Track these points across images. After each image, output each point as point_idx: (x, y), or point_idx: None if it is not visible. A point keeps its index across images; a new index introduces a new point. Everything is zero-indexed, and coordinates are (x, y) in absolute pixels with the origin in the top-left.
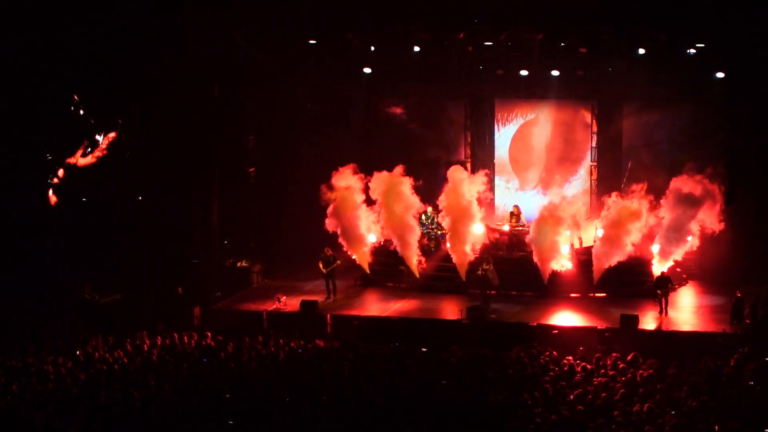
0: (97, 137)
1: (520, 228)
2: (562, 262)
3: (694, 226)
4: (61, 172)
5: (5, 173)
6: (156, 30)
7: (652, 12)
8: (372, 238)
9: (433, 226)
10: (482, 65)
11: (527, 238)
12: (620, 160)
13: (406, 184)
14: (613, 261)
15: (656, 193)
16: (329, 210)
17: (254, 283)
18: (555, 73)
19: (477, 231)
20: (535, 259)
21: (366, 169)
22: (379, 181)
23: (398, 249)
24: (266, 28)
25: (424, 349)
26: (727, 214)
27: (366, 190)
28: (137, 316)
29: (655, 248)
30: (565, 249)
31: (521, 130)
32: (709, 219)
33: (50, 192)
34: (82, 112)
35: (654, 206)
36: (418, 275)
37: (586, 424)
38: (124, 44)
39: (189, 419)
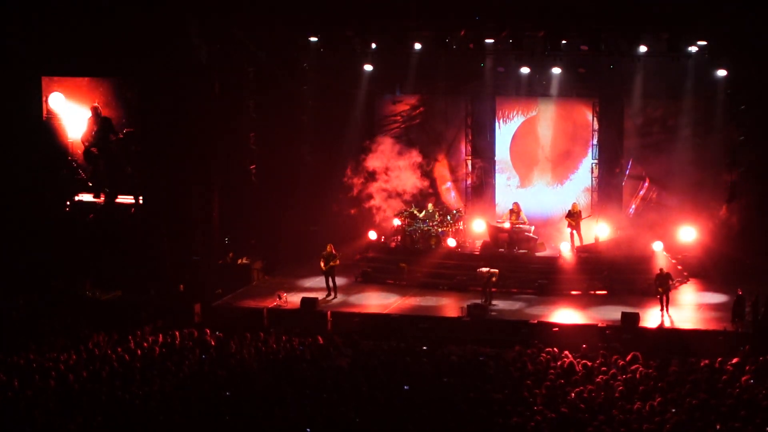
0: None
1: (521, 225)
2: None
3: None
4: None
5: (6, 172)
6: (157, 27)
7: (653, 10)
8: (372, 235)
9: (433, 223)
10: (483, 63)
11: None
12: (621, 158)
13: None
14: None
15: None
16: None
17: (255, 280)
18: (556, 70)
19: (478, 228)
20: None
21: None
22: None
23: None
24: (267, 26)
25: (424, 347)
26: (728, 212)
27: None
28: (138, 313)
29: (657, 245)
30: (565, 246)
31: (522, 128)
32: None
33: None
34: None
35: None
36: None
37: (586, 422)
38: (127, 41)
39: (189, 416)
